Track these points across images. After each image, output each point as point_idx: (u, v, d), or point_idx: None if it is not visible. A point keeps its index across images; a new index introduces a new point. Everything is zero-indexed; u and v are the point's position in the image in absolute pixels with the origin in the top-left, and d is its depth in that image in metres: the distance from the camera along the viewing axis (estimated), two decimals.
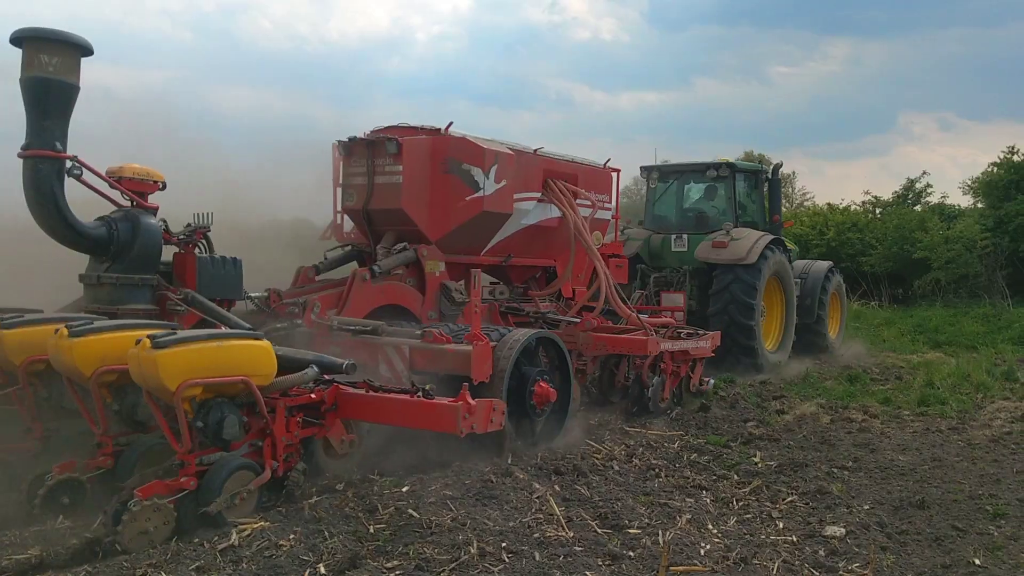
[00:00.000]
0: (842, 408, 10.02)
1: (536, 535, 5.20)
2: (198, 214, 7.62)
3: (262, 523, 5.15)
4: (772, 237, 13.58)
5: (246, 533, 4.99)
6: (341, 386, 6.00)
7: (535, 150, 9.99)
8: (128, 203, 7.12)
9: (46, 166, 6.47)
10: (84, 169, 6.77)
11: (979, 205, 29.44)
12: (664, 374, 9.62)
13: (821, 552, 5.23)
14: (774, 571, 4.87)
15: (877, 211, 31.12)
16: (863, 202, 32.44)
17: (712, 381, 10.73)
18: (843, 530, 5.59)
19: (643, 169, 15.61)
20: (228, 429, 5.24)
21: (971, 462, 7.63)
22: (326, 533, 5.01)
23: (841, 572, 4.93)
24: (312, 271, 9.02)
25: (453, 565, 4.67)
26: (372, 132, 9.27)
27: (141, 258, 6.97)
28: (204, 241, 7.58)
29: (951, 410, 9.90)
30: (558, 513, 5.62)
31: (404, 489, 6.04)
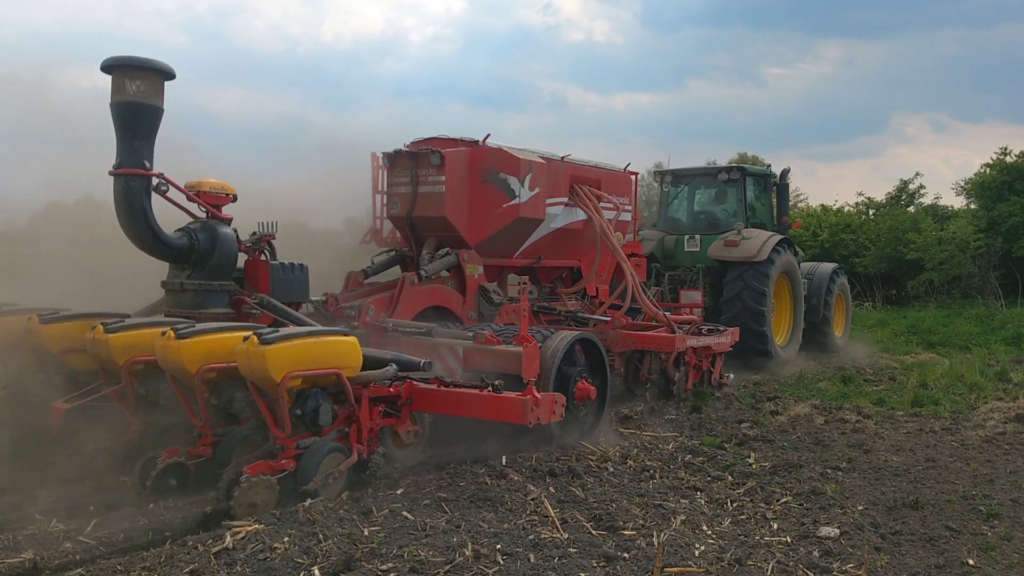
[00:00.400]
0: (836, 409, 10.02)
1: (531, 537, 5.20)
2: (262, 223, 8.12)
3: (256, 525, 5.15)
4: (781, 237, 14.23)
5: (240, 535, 4.99)
6: (415, 382, 6.64)
7: (562, 157, 10.49)
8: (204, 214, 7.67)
9: (136, 183, 7.01)
10: (170, 185, 7.32)
11: (972, 206, 29.54)
12: (688, 368, 10.27)
13: (815, 553, 5.24)
14: (768, 572, 4.88)
15: (870, 212, 31.21)
16: (856, 203, 32.54)
17: (732, 376, 11.35)
18: (837, 531, 5.59)
19: (657, 173, 16.50)
20: (323, 416, 5.89)
21: (965, 463, 7.64)
22: (320, 535, 5.00)
23: (835, 573, 4.94)
24: (361, 275, 9.50)
25: (448, 567, 4.67)
26: (413, 144, 9.81)
27: (220, 265, 7.55)
28: (268, 248, 8.10)
29: (945, 411, 9.92)
30: (553, 515, 5.62)
31: (399, 491, 6.05)
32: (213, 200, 7.70)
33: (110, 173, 7.06)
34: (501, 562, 4.78)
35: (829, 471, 7.23)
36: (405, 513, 5.53)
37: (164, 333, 5.91)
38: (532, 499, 5.98)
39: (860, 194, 36.83)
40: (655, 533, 5.37)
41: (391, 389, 6.47)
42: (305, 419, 5.82)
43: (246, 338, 5.63)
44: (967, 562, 5.18)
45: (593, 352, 8.57)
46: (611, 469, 7.03)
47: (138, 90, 6.87)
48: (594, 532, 5.40)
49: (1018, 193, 26.72)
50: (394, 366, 6.51)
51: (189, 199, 7.61)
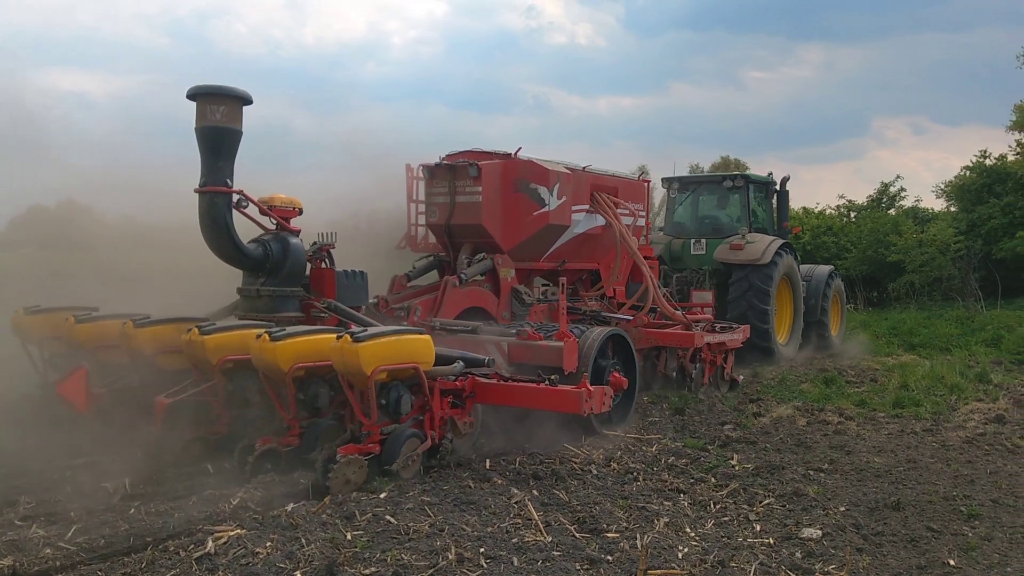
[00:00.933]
0: (818, 410, 10.07)
1: (514, 540, 5.20)
2: (321, 234, 8.78)
3: (238, 530, 5.12)
4: (783, 241, 15.21)
5: (222, 540, 4.96)
6: (476, 377, 7.26)
7: (583, 168, 11.26)
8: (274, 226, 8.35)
9: (220, 200, 7.69)
10: (248, 201, 8.01)
11: (952, 208, 29.77)
12: (703, 363, 11.21)
13: (798, 554, 5.26)
14: (751, 573, 4.89)
15: (852, 215, 31.39)
16: (838, 206, 32.71)
17: (742, 377, 12.17)
18: (819, 532, 5.62)
19: (664, 180, 17.11)
20: (404, 405, 6.65)
21: (945, 463, 7.69)
22: (303, 540, 4.98)
23: (817, 574, 4.96)
24: (404, 278, 10.23)
25: (431, 571, 4.67)
26: (450, 157, 10.54)
27: (291, 273, 8.24)
28: (328, 256, 8.77)
29: (926, 412, 9.98)
30: (536, 518, 5.62)
31: (382, 496, 6.03)
32: (283, 214, 8.41)
33: (196, 191, 7.70)
34: (484, 565, 4.78)
35: (811, 472, 7.26)
36: (388, 517, 5.51)
37: (259, 336, 6.55)
38: (516, 502, 5.98)
39: (841, 197, 36.97)
40: (638, 535, 5.37)
41: (457, 383, 7.12)
42: (388, 408, 6.58)
43: (340, 336, 6.36)
44: (948, 562, 5.22)
45: (623, 347, 9.45)
46: (595, 472, 7.03)
47: (221, 115, 7.54)
48: (577, 535, 5.40)
49: (997, 196, 26.97)
50: (461, 363, 7.16)
51: (262, 212, 8.26)
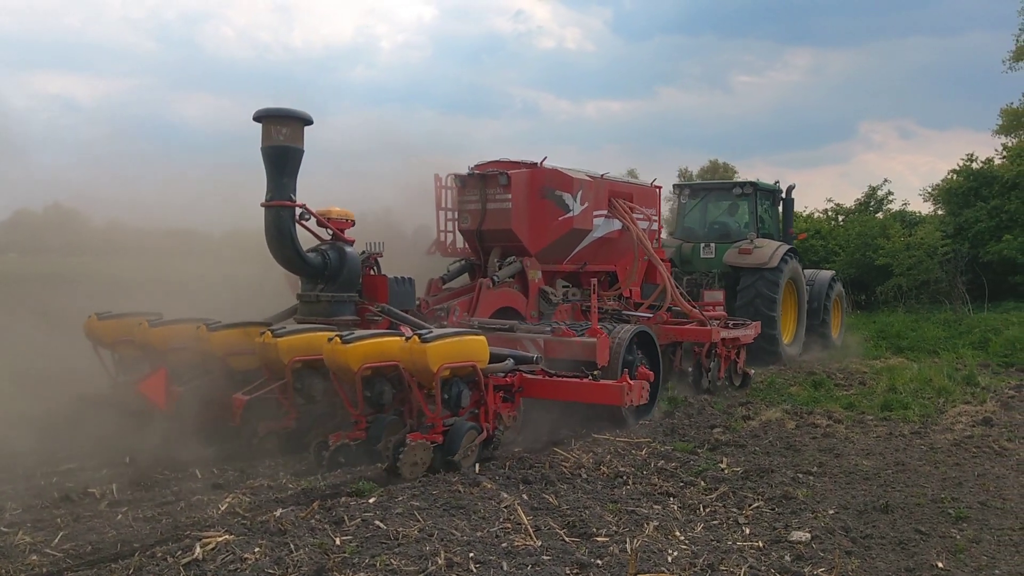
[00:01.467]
0: (807, 414, 10.09)
1: (504, 544, 5.19)
2: (369, 243, 9.49)
3: (226, 536, 5.09)
4: (788, 247, 16.04)
5: (210, 546, 4.93)
6: (524, 373, 7.90)
7: (602, 175, 11.96)
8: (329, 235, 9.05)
9: (285, 213, 8.37)
10: (310, 214, 8.68)
11: (939, 212, 29.92)
12: (719, 358, 11.81)
13: (787, 557, 5.26)
14: None
15: (840, 218, 31.52)
16: (826, 209, 32.85)
17: (752, 371, 12.81)
18: (808, 535, 5.62)
19: (675, 187, 18.08)
20: (464, 400, 7.26)
21: (933, 466, 7.72)
22: (291, 545, 4.96)
23: None
24: (440, 281, 10.86)
25: None
26: (479, 167, 11.10)
27: (347, 280, 8.91)
28: (376, 263, 9.49)
29: (914, 415, 10.01)
30: (526, 522, 5.61)
31: (371, 500, 6.01)
32: (339, 225, 9.09)
33: (262, 205, 8.34)
34: (474, 570, 4.76)
35: (800, 475, 7.27)
36: (377, 522, 5.49)
37: (331, 339, 7.05)
38: (505, 507, 5.96)
39: (829, 200, 37.19)
40: (628, 539, 5.37)
41: (507, 379, 7.74)
42: (450, 402, 7.18)
43: (408, 338, 7.00)
44: (936, 565, 5.23)
45: (648, 343, 10.19)
46: (584, 476, 7.03)
47: (284, 136, 8.18)
48: (567, 539, 5.39)
49: (984, 199, 27.12)
50: (511, 360, 7.81)
51: (319, 223, 8.91)
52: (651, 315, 11.78)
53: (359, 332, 7.34)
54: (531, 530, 5.48)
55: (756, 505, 6.37)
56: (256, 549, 4.88)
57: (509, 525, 5.59)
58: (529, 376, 7.96)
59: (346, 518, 5.55)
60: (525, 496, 6.30)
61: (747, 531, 5.76)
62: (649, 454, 7.94)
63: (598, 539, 5.39)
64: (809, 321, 17.03)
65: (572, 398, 8.22)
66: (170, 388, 7.97)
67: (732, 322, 12.67)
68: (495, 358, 7.63)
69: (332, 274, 8.83)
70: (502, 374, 7.67)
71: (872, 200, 32.10)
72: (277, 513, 5.62)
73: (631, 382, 7.85)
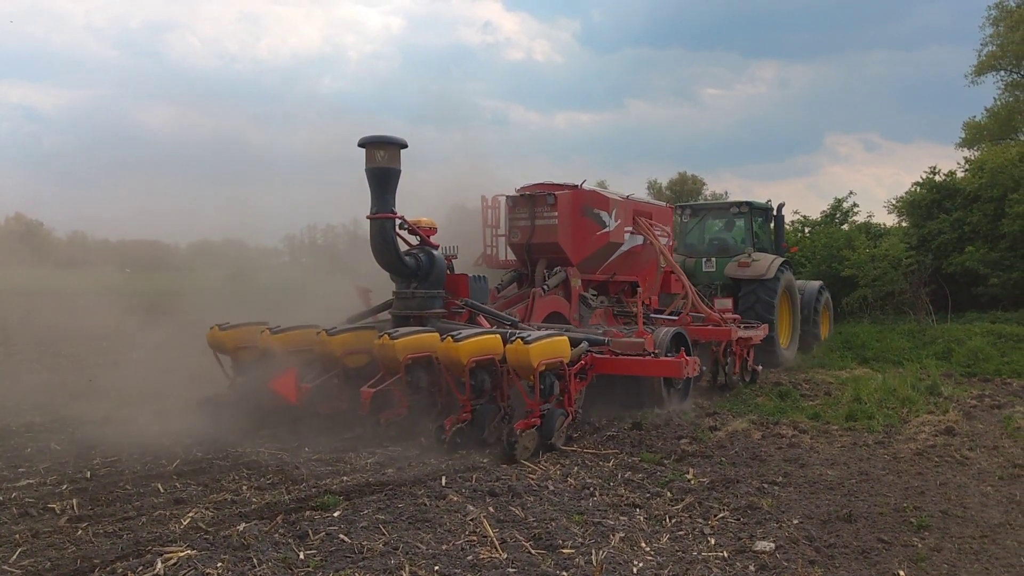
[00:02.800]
0: (773, 424, 10.16)
1: (469, 557, 5.17)
2: (446, 246, 10.91)
3: (189, 551, 5.04)
4: (783, 259, 17.66)
5: (172, 561, 4.88)
6: (593, 354, 9.56)
7: (627, 196, 13.65)
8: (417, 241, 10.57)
9: (388, 224, 9.90)
10: (406, 224, 10.20)
11: (903, 224, 30.26)
12: (734, 355, 13.20)
13: (751, 567, 5.29)
14: None
15: (806, 230, 31.76)
16: (792, 221, 33.10)
17: (760, 368, 14.25)
18: (772, 545, 5.65)
19: (677, 207, 19.13)
20: (554, 389, 8.73)
21: (896, 475, 7.79)
22: (255, 560, 4.91)
23: None
24: (496, 290, 12.46)
25: None
26: (525, 189, 12.85)
27: (436, 278, 10.46)
28: (450, 264, 10.93)
29: (878, 424, 10.10)
30: (491, 535, 5.59)
31: (336, 514, 5.97)
32: (426, 232, 10.63)
33: (368, 218, 9.84)
34: None
35: (766, 486, 7.31)
36: (342, 536, 5.46)
37: (444, 338, 8.43)
38: (471, 519, 5.95)
39: (796, 212, 37.51)
40: (594, 551, 5.38)
41: (583, 361, 9.29)
42: (544, 391, 8.58)
43: (513, 340, 8.36)
44: (898, 573, 5.28)
45: (681, 342, 11.50)
46: (551, 487, 7.02)
47: (384, 158, 9.61)
48: (533, 551, 5.39)
49: (947, 211, 27.48)
50: (586, 343, 9.50)
51: (410, 231, 10.43)
52: (676, 317, 13.34)
53: (467, 331, 8.70)
54: (497, 543, 5.46)
55: (722, 515, 6.39)
56: (219, 564, 4.84)
57: (475, 538, 5.58)
58: (599, 357, 9.59)
59: (310, 532, 5.51)
60: (491, 508, 6.29)
61: (712, 541, 5.78)
62: (616, 465, 7.95)
63: (564, 551, 5.39)
64: (802, 326, 18.54)
65: (638, 373, 9.91)
66: (299, 385, 9.32)
67: (744, 324, 14.03)
68: (573, 342, 9.06)
69: (424, 274, 10.33)
70: (577, 356, 9.10)
71: (838, 212, 32.38)
72: (240, 528, 5.57)
73: (687, 358, 9.78)
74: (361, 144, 9.61)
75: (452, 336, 8.40)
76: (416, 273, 10.30)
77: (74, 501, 6.38)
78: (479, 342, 8.53)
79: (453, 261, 11.08)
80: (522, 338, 8.30)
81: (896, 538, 5.95)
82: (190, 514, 5.98)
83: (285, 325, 10.04)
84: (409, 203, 11.01)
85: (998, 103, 34.02)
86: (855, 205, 32.53)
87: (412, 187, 11.41)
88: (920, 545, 5.82)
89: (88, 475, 7.25)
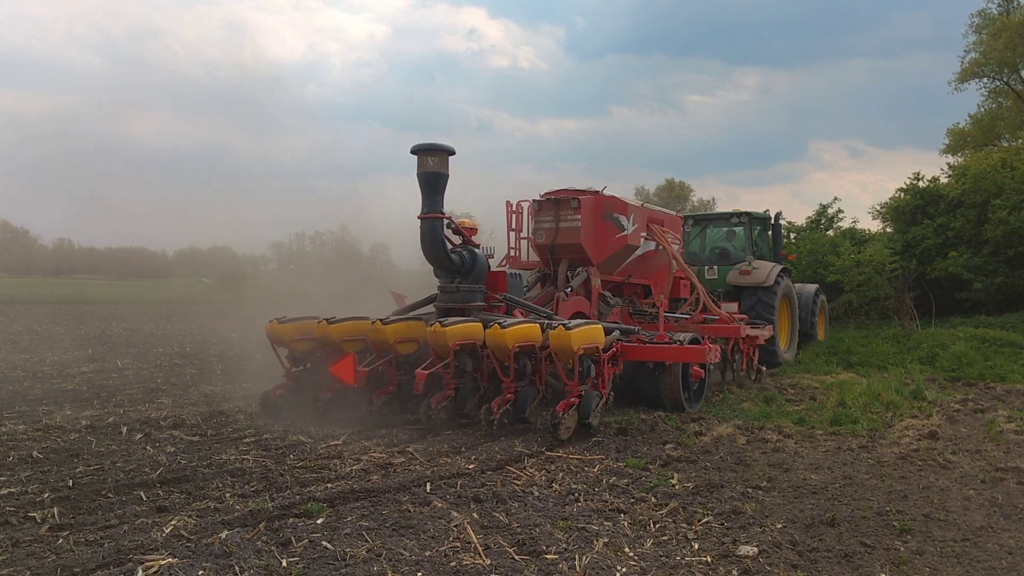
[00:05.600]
0: (758, 429, 10.18)
1: (453, 564, 5.16)
2: (484, 246, 11.85)
3: (170, 559, 5.01)
4: (782, 267, 18.52)
5: (153, 570, 4.85)
6: (623, 342, 10.49)
7: (642, 204, 14.48)
8: (460, 240, 11.58)
9: (438, 223, 10.83)
10: (452, 223, 11.25)
11: (888, 229, 30.46)
12: (741, 353, 14.09)
13: (734, 572, 5.29)
14: None
15: (791, 236, 31.93)
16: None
17: (765, 368, 15.04)
18: (756, 549, 5.66)
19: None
20: (592, 372, 9.59)
21: (880, 479, 7.82)
22: (236, 568, 4.89)
23: None
24: (526, 289, 13.14)
25: None
26: (549, 193, 13.66)
27: (478, 274, 11.47)
28: (489, 263, 11.85)
29: (862, 429, 10.15)
30: (475, 541, 5.58)
31: (319, 521, 5.95)
32: (469, 232, 11.65)
33: (419, 218, 10.75)
34: None
35: (750, 490, 7.33)
36: (325, 543, 5.44)
37: (490, 326, 9.45)
38: (455, 526, 5.94)
39: (781, 219, 37.57)
40: (578, 556, 5.37)
41: (614, 348, 10.16)
42: (582, 374, 9.44)
43: (554, 327, 9.24)
44: None
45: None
46: (536, 493, 7.02)
47: (434, 164, 10.54)
48: (517, 557, 5.38)
49: (931, 217, 27.68)
50: (618, 332, 10.50)
51: (454, 232, 11.42)
52: (688, 316, 14.28)
53: (510, 320, 9.63)
54: (480, 549, 5.46)
55: (705, 520, 6.40)
56: (200, 572, 4.81)
57: (459, 544, 5.57)
58: (628, 344, 10.48)
59: (293, 539, 5.49)
60: (476, 515, 6.28)
61: (696, 546, 5.79)
62: (601, 471, 7.95)
63: (547, 556, 5.38)
64: (800, 329, 19.60)
65: (664, 359, 10.84)
66: (357, 369, 10.06)
67: (750, 324, 14.80)
68: (606, 331, 9.89)
69: (467, 270, 11.32)
70: (610, 344, 9.87)
71: (823, 218, 32.60)
72: (223, 535, 5.54)
73: (710, 345, 10.80)
74: (413, 151, 10.49)
75: (499, 324, 9.34)
76: (460, 269, 11.28)
77: (55, 510, 6.33)
78: (523, 329, 9.49)
79: (490, 260, 12.05)
80: (563, 325, 9.16)
81: (878, 542, 5.97)
82: (172, 522, 5.95)
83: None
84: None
85: (981, 110, 34.28)
86: (840, 211, 32.77)
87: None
88: (902, 549, 5.84)
89: (71, 483, 7.20)
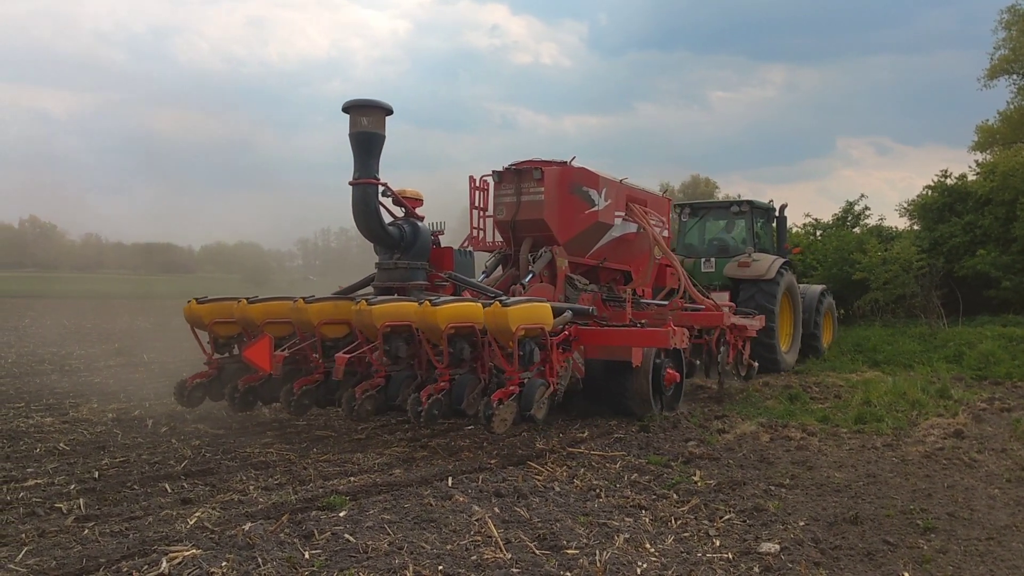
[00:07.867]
0: (782, 426, 10.13)
1: (473, 557, 5.18)
2: (433, 223, 10.87)
3: (194, 551, 5.06)
4: (784, 260, 17.23)
5: (177, 560, 4.90)
6: (578, 325, 9.49)
7: (621, 180, 12.82)
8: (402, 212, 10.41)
9: (371, 189, 9.54)
10: (391, 192, 9.95)
11: (915, 227, 30.17)
12: (727, 345, 12.83)
13: (756, 569, 5.27)
14: None
15: (818, 233, 31.69)
16: (804, 224, 33.02)
17: (757, 364, 13.99)
18: (777, 547, 5.64)
19: (676, 206, 18.78)
20: (535, 357, 8.48)
21: (904, 478, 7.76)
22: (259, 559, 4.93)
23: None
24: (484, 275, 12.12)
25: None
26: (515, 164, 12.16)
27: (420, 250, 10.19)
28: (437, 240, 10.83)
29: (887, 427, 10.08)
30: (496, 535, 5.60)
31: (341, 514, 5.99)
32: (412, 203, 10.47)
33: (350, 183, 9.47)
34: None
35: (772, 488, 7.30)
36: (347, 536, 5.47)
37: (422, 303, 8.27)
38: (476, 520, 5.96)
39: (807, 215, 37.41)
40: (598, 552, 5.38)
41: (566, 332, 9.16)
42: (524, 359, 8.32)
43: (489, 304, 8.19)
44: (903, 575, 5.26)
45: (676, 358, 11.30)
46: (557, 489, 7.03)
47: (368, 123, 9.34)
48: (537, 552, 5.39)
49: (958, 214, 27.39)
50: (570, 312, 9.42)
51: (394, 202, 10.26)
52: (666, 303, 12.84)
53: (444, 298, 8.54)
54: (501, 543, 5.47)
55: (727, 517, 6.38)
56: (223, 563, 4.86)
57: (480, 538, 5.58)
58: (583, 327, 9.48)
59: (316, 532, 5.53)
60: (497, 509, 6.29)
61: (717, 543, 5.77)
62: (623, 467, 7.94)
63: (568, 551, 5.39)
64: (803, 331, 18.07)
65: (623, 343, 9.70)
66: (273, 354, 9.09)
67: (740, 312, 13.68)
68: (555, 311, 8.92)
69: (407, 245, 10.08)
70: (561, 326, 8.97)
71: (849, 215, 32.31)
72: (246, 527, 5.59)
73: (675, 328, 9.80)
74: (345, 109, 9.39)
75: (430, 301, 8.21)
76: (399, 244, 10.07)
77: (81, 501, 6.41)
78: (458, 308, 8.38)
79: (440, 237, 10.95)
80: (500, 301, 8.14)
81: (902, 540, 5.93)
82: (196, 514, 6.01)
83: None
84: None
85: (1011, 106, 33.82)
86: (867, 208, 32.47)
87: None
88: (926, 547, 5.79)
89: (96, 475, 7.29)
